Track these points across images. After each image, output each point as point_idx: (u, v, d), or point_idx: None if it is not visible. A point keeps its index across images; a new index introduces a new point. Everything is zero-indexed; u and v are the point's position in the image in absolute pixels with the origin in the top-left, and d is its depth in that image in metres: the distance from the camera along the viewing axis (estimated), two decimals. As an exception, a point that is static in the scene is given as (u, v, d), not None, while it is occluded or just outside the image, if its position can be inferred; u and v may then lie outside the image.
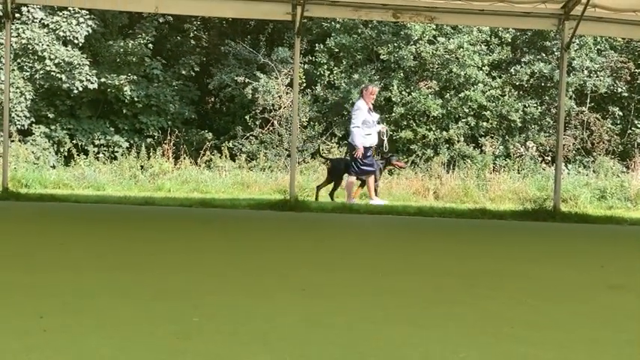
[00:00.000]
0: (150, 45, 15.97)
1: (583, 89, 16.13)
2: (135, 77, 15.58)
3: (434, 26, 15.61)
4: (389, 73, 16.08)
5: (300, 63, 15.02)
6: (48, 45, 14.89)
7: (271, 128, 15.63)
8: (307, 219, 8.11)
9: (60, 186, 11.99)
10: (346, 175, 10.76)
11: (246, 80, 15.93)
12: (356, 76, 15.85)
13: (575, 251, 6.23)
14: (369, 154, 10.46)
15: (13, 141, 13.51)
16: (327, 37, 16.38)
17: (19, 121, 14.67)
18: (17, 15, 14.59)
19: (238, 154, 14.87)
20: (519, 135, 15.89)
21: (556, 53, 15.74)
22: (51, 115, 15.29)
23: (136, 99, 15.56)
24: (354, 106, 10.71)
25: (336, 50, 16.22)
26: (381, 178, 11.42)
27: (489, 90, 15.86)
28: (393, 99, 15.58)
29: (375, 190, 10.68)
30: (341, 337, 2.65)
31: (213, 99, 17.79)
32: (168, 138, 14.41)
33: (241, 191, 12.54)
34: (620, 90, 16.24)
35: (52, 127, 15.19)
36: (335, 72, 16.11)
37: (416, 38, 15.77)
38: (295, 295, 3.46)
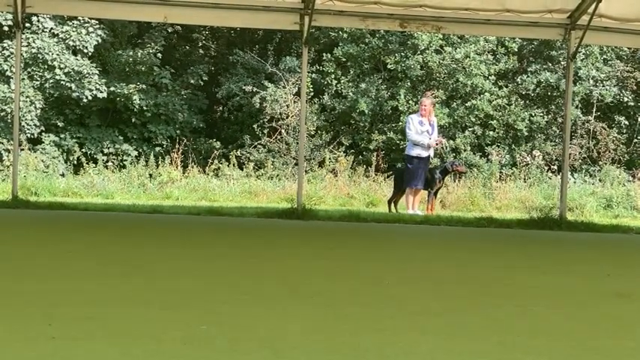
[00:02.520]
0: (159, 54, 16.06)
1: (589, 98, 16.13)
2: (144, 86, 15.66)
3: (441, 36, 15.65)
4: (396, 83, 16.12)
5: (308, 72, 15.07)
6: (58, 54, 15.00)
7: (279, 137, 15.68)
8: (314, 227, 8.13)
9: (69, 194, 12.05)
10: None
11: (254, 89, 16.00)
12: (363, 86, 15.90)
13: (581, 260, 6.24)
14: (413, 164, 10.46)
15: (22, 149, 13.59)
16: (334, 46, 16.45)
17: (28, 129, 14.76)
18: (27, 25, 14.70)
19: (246, 162, 14.92)
20: (525, 144, 15.89)
21: (562, 63, 15.75)
22: (60, 124, 15.38)
23: (144, 108, 15.63)
24: (407, 119, 10.87)
25: (344, 60, 16.27)
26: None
27: (496, 99, 15.87)
28: (400, 108, 15.61)
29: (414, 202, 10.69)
30: (348, 345, 2.68)
31: (221, 108, 17.85)
32: (177, 147, 14.47)
33: (249, 199, 12.58)
34: (626, 99, 16.23)
35: (62, 136, 15.28)
36: (342, 81, 16.16)
37: (423, 48, 15.81)
38: (302, 303, 3.49)
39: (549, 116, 16.25)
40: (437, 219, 9.35)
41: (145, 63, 15.83)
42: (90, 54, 15.53)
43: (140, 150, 15.56)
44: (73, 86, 15.01)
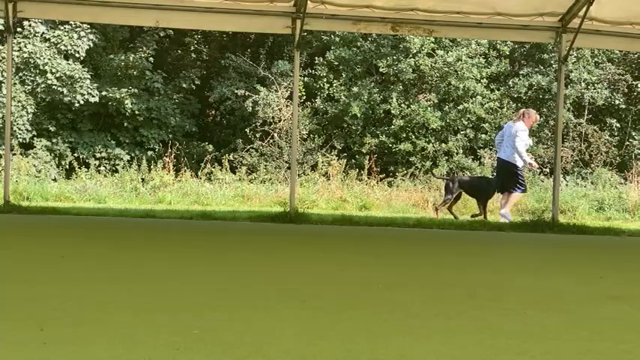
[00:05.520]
0: (151, 58, 16.04)
1: (581, 101, 16.19)
2: (136, 90, 15.63)
3: (432, 39, 15.69)
4: (388, 86, 16.15)
5: (300, 76, 15.08)
6: (49, 59, 14.96)
7: (271, 141, 15.67)
8: (307, 231, 8.13)
9: (61, 199, 12.01)
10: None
11: (247, 93, 16.00)
12: (355, 89, 15.92)
13: (574, 262, 6.26)
14: (520, 170, 10.31)
15: (14, 154, 13.55)
16: (326, 50, 16.47)
17: (20, 134, 14.72)
18: (19, 29, 14.65)
19: (239, 166, 14.90)
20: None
21: (554, 66, 15.81)
22: (52, 129, 15.34)
23: (136, 112, 15.61)
24: (516, 127, 10.21)
25: (336, 63, 16.29)
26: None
27: (488, 102, 15.92)
28: (393, 111, 15.64)
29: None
30: (340, 350, 2.68)
31: (213, 112, 17.84)
32: (169, 151, 14.45)
33: (242, 203, 12.56)
34: (617, 102, 16.29)
35: (54, 141, 15.24)
36: (334, 85, 16.18)
37: (415, 51, 15.85)
38: (295, 307, 3.49)
39: (541, 119, 16.28)
40: (430, 222, 9.36)
41: (136, 67, 15.80)
42: (82, 58, 15.49)
43: (132, 154, 15.53)
44: (65, 91, 14.97)
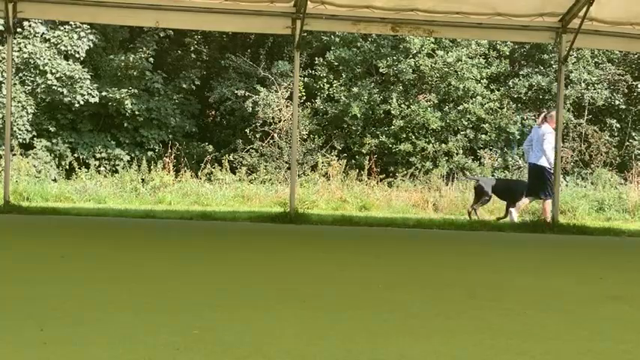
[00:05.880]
0: (151, 59, 16.04)
1: (581, 102, 16.19)
2: (136, 91, 15.64)
3: (432, 40, 15.70)
4: (388, 87, 16.15)
5: (300, 76, 15.08)
6: (49, 59, 14.96)
7: (271, 141, 15.67)
8: (307, 231, 8.13)
9: (61, 199, 12.01)
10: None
11: (247, 94, 16.00)
12: (355, 90, 15.93)
13: (573, 263, 6.26)
14: (548, 175, 10.21)
15: (14, 154, 13.54)
16: (326, 50, 16.47)
17: (20, 134, 14.72)
18: (19, 29, 14.65)
19: (239, 167, 14.91)
20: (517, 147, 15.94)
21: (554, 66, 15.81)
22: (52, 129, 15.34)
23: (137, 112, 15.61)
24: (543, 130, 10.20)
25: (336, 64, 16.30)
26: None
27: (488, 103, 15.92)
28: (393, 112, 15.64)
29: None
30: (340, 350, 2.68)
31: (213, 112, 17.84)
32: (169, 151, 14.45)
33: (242, 204, 12.57)
34: (617, 102, 16.30)
35: (54, 141, 15.24)
36: (334, 85, 16.18)
37: (415, 51, 15.85)
38: (295, 307, 3.49)
39: (542, 119, 16.31)
40: (430, 222, 9.36)
41: (136, 68, 15.81)
42: (82, 59, 15.49)
43: (132, 155, 15.53)
44: (65, 91, 14.97)
